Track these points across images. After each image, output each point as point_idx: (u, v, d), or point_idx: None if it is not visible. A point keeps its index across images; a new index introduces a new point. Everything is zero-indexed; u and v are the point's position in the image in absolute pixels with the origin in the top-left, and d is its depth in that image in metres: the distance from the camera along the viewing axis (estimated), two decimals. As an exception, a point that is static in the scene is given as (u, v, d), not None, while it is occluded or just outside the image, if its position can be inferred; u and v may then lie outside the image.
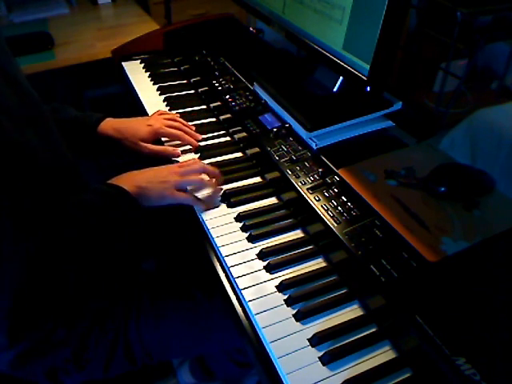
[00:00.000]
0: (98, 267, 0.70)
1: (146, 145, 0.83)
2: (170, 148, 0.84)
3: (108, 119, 0.87)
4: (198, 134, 0.87)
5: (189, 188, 0.74)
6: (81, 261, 0.63)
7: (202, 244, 0.69)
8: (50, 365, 0.71)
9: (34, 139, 0.61)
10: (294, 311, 0.56)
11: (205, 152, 0.84)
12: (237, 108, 0.93)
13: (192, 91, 1.07)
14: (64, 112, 0.86)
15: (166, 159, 0.84)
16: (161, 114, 0.91)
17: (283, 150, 0.79)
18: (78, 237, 0.62)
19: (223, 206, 0.73)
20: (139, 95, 1.05)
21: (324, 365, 0.51)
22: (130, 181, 0.69)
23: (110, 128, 0.85)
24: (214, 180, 0.75)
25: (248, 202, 0.73)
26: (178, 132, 0.85)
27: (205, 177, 0.74)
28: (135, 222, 0.68)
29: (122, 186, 0.67)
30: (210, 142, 0.88)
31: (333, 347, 0.52)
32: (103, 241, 0.65)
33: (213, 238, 0.67)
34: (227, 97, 0.96)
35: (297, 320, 0.55)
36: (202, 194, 0.73)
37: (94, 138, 0.85)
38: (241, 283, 0.60)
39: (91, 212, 0.64)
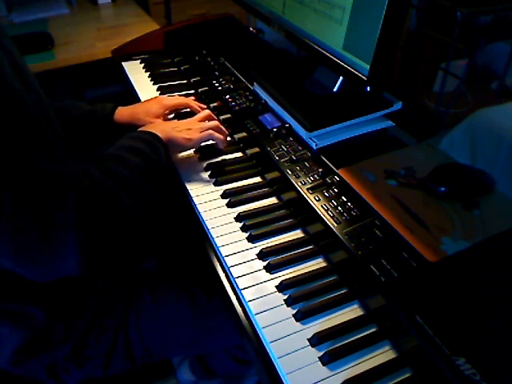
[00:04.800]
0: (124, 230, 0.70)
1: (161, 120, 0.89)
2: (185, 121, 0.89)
3: (120, 108, 0.90)
4: (202, 104, 0.95)
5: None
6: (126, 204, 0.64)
7: (202, 244, 0.69)
8: (50, 362, 0.71)
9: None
10: (294, 311, 0.56)
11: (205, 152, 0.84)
12: (237, 108, 0.93)
13: (192, 91, 1.07)
14: (79, 107, 0.89)
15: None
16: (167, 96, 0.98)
17: (283, 149, 0.79)
18: (131, 179, 0.65)
19: (223, 206, 0.73)
20: (139, 95, 1.05)
21: (324, 365, 0.51)
22: (158, 129, 0.75)
23: (125, 115, 0.89)
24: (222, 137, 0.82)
25: (248, 202, 0.73)
26: (185, 99, 0.94)
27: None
28: (159, 172, 0.72)
29: (155, 132, 0.73)
30: (210, 142, 0.88)
31: (333, 347, 0.52)
32: (140, 188, 0.67)
33: (213, 238, 0.67)
34: (227, 97, 0.96)
35: (297, 320, 0.55)
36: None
37: (111, 127, 0.89)
38: (241, 283, 0.60)
39: (140, 156, 0.68)
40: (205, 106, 0.96)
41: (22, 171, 0.52)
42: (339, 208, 0.65)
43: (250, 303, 0.57)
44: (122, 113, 0.89)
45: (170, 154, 0.77)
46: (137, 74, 1.14)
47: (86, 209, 0.56)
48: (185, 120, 0.83)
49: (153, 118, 0.88)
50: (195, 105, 0.93)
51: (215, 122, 0.82)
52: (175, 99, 0.93)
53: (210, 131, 0.79)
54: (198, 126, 0.79)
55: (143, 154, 0.69)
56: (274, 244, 0.65)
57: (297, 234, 0.68)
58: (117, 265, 0.81)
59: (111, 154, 0.67)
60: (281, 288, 0.59)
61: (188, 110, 0.95)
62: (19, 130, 0.53)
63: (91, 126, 0.87)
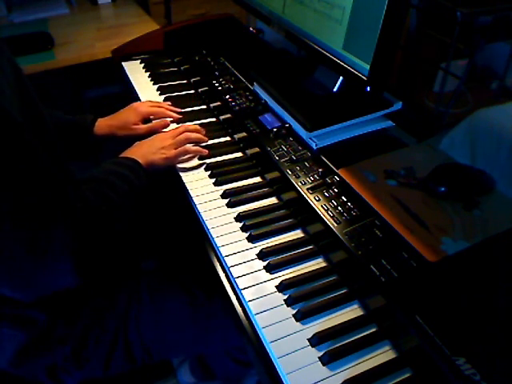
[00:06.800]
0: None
1: (139, 126, 0.92)
2: (159, 121, 0.92)
3: (99, 119, 0.92)
4: (177, 109, 0.97)
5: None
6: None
7: (202, 244, 0.69)
8: (50, 363, 0.71)
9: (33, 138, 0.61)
10: (294, 311, 0.56)
11: (205, 152, 0.84)
12: (237, 108, 0.93)
13: (192, 91, 1.07)
14: (56, 118, 0.89)
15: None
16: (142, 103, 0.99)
17: (283, 149, 0.79)
18: (116, 200, 0.67)
19: (223, 206, 0.73)
20: (139, 95, 1.05)
21: (324, 365, 0.51)
22: (137, 154, 0.77)
23: (104, 127, 0.91)
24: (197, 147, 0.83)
25: (248, 202, 0.73)
26: (160, 109, 0.95)
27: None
28: (144, 190, 0.75)
29: (136, 158, 0.75)
30: (210, 142, 0.88)
31: (333, 347, 0.52)
32: (124, 208, 0.69)
33: (213, 238, 0.67)
34: (227, 97, 0.96)
35: (297, 320, 0.55)
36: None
37: (91, 139, 0.90)
38: (241, 283, 0.60)
39: (125, 181, 0.70)
40: (178, 116, 0.94)
41: (20, 196, 0.53)
42: (339, 208, 0.65)
43: (250, 303, 0.57)
44: (101, 125, 0.91)
45: (150, 176, 0.77)
46: (137, 74, 1.14)
47: (81, 231, 0.58)
48: (158, 135, 0.84)
49: (131, 127, 0.90)
50: (168, 114, 0.94)
51: (186, 134, 0.82)
52: (150, 107, 0.95)
53: (186, 147, 0.81)
54: (172, 142, 0.80)
55: (128, 180, 0.70)
56: (274, 244, 0.65)
57: (297, 233, 0.68)
58: (115, 267, 0.81)
59: (99, 178, 0.68)
60: (281, 288, 0.59)
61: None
62: (18, 157, 0.54)
63: (70, 136, 0.88)
